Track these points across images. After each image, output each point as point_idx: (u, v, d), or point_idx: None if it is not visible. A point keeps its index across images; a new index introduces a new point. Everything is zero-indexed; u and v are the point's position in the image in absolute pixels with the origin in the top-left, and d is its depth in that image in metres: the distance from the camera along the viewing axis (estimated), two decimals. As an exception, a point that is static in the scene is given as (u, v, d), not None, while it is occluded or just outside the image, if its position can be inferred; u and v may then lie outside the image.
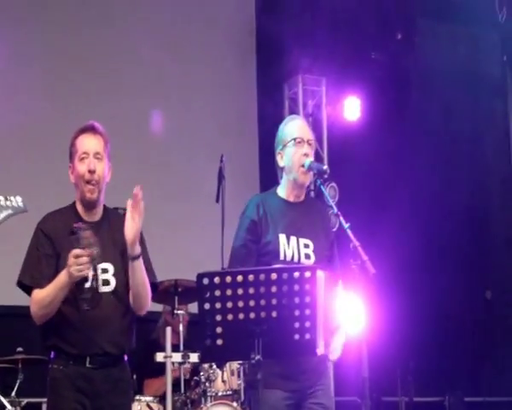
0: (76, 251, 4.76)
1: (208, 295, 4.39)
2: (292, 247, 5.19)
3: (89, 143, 5.01)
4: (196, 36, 9.41)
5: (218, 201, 7.74)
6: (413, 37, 9.90)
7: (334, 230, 5.29)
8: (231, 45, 9.72)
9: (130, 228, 4.89)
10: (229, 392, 7.31)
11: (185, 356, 7.28)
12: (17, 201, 4.73)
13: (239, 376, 7.33)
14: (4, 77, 8.67)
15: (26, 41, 8.88)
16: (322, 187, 5.15)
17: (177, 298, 7.28)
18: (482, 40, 10.17)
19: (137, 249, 4.94)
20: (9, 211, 4.68)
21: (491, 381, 9.46)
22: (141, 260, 4.98)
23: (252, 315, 4.42)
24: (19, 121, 8.62)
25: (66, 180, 5.11)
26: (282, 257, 5.13)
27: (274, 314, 4.42)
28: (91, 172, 4.92)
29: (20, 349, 7.08)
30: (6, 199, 4.70)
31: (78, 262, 4.73)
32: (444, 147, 9.95)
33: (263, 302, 4.42)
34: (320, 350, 4.79)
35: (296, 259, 5.16)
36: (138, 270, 4.98)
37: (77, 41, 9.15)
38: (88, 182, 4.94)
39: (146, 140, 9.18)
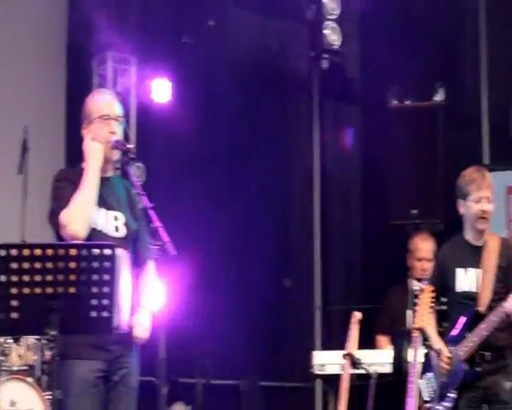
0: None
1: (4, 267, 4.31)
2: (103, 218, 5.13)
3: None
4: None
5: (21, 171, 7.68)
6: (224, 25, 9.97)
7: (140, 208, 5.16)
8: (41, 19, 9.57)
9: None
10: (24, 367, 7.28)
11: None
12: None
13: (35, 351, 7.28)
14: None
15: None
16: (126, 166, 5.15)
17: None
18: (291, 34, 10.24)
19: None
20: None
21: (286, 366, 9.58)
22: None
23: (49, 290, 4.35)
24: None
25: None
26: (93, 226, 5.05)
27: (72, 290, 4.37)
28: None
29: None
30: None
31: None
32: (251, 136, 10.01)
33: (61, 278, 4.35)
34: (118, 328, 4.77)
35: (105, 230, 5.10)
36: None
37: None
38: None
39: None
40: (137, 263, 5.14)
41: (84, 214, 5.01)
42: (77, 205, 5.00)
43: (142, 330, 5.09)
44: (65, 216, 4.99)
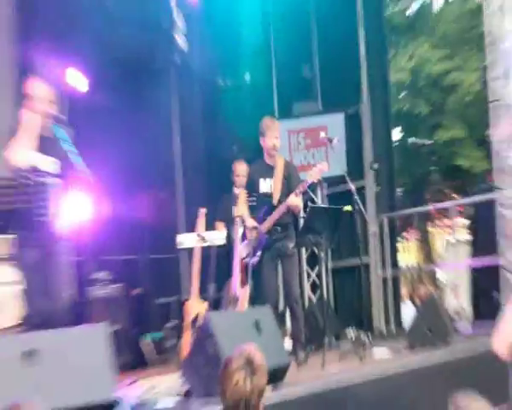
0: None
1: None
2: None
3: None
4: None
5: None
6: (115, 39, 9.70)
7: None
8: None
9: None
10: (3, 256, 6.68)
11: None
12: None
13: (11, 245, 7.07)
14: None
15: None
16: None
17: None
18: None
19: None
20: None
21: (162, 246, 9.28)
22: None
23: (6, 206, 4.34)
24: None
25: None
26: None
27: (22, 206, 4.38)
28: None
29: None
30: None
31: None
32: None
33: (16, 198, 4.36)
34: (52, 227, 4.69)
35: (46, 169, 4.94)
36: None
37: None
38: None
39: None
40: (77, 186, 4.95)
41: (23, 151, 4.82)
42: (18, 144, 4.84)
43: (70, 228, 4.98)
44: (10, 151, 4.85)
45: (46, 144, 5.03)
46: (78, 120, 8.48)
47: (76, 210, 5.02)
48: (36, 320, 4.88)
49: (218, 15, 9.28)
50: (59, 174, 4.98)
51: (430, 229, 11.28)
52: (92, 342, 3.98)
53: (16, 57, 9.00)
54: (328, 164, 6.52)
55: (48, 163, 5.01)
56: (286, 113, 9.03)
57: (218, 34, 9.24)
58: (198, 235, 6.45)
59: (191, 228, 6.95)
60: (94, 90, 9.11)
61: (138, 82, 9.62)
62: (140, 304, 8.46)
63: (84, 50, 9.25)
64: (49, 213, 4.46)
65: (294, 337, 6.25)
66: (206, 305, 6.20)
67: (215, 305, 6.53)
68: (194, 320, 6.02)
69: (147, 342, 7.26)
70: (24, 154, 4.85)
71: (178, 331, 6.49)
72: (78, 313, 5.53)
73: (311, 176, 6.15)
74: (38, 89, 5.16)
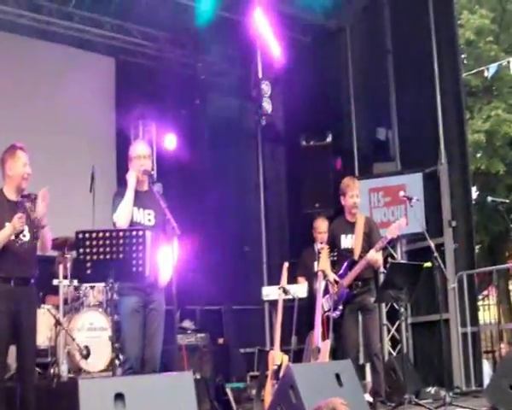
0: (20, 214, 4.75)
1: (82, 243, 4.43)
2: (140, 214, 5.16)
3: None
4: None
5: (91, 191, 7.72)
6: (205, 104, 10.00)
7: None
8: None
9: (42, 209, 4.90)
10: (97, 303, 7.22)
11: (70, 281, 7.16)
12: None
13: (103, 293, 7.22)
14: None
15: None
16: (151, 183, 5.23)
17: (66, 248, 7.09)
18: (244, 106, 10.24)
19: (44, 222, 4.97)
20: None
21: (246, 296, 9.47)
22: (46, 229, 5.02)
23: (108, 256, 4.45)
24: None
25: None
26: (133, 220, 5.08)
27: (121, 256, 4.46)
28: None
29: None
30: None
31: (21, 220, 4.72)
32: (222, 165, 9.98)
33: (115, 249, 4.45)
34: (149, 277, 4.75)
35: (141, 221, 5.12)
36: (45, 233, 5.01)
37: None
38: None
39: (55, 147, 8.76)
40: (167, 239, 5.06)
41: (124, 213, 5.03)
42: (120, 210, 5.05)
43: (164, 278, 5.10)
44: (115, 215, 5.07)
45: (142, 198, 5.19)
46: (166, 175, 8.84)
47: (167, 261, 5.06)
48: (129, 365, 4.94)
49: (302, 80, 9.37)
50: (153, 226, 5.11)
51: (510, 287, 10.85)
52: (179, 389, 3.94)
53: (116, 122, 9.49)
54: (407, 221, 6.41)
55: (145, 215, 5.17)
56: (366, 172, 8.98)
57: (302, 96, 9.31)
58: (281, 288, 6.38)
59: (273, 281, 6.93)
60: (182, 149, 9.39)
61: (225, 141, 9.83)
62: (224, 353, 8.46)
63: (176, 113, 9.61)
64: (145, 263, 4.51)
65: (375, 392, 6.06)
66: (287, 356, 6.09)
67: (296, 357, 6.42)
68: (277, 371, 5.92)
69: (230, 391, 7.16)
70: (125, 210, 5.04)
71: (260, 381, 6.38)
72: (165, 360, 5.52)
73: (391, 232, 6.06)
74: (137, 148, 5.36)
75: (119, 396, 3.67)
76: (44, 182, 4.98)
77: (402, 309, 7.62)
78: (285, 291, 6.38)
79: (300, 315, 6.48)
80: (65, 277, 7.07)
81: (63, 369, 6.62)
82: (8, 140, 5.12)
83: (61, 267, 7.01)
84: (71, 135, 8.96)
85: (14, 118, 8.45)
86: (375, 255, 6.03)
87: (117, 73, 9.71)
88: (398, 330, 8.54)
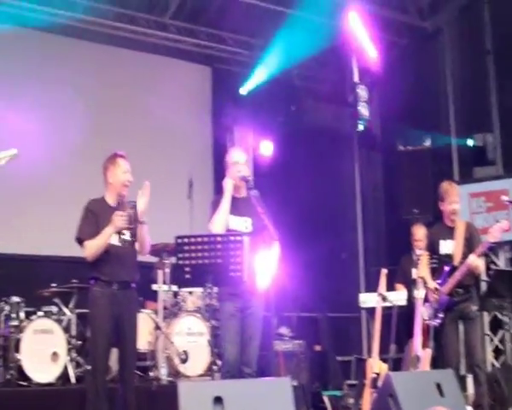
0: (119, 212, 4.86)
1: (181, 248, 4.46)
2: (236, 221, 5.16)
3: None
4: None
5: (188, 198, 7.85)
6: (301, 111, 10.02)
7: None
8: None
9: (142, 204, 4.95)
10: (195, 308, 7.32)
11: (169, 286, 7.29)
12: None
13: (201, 299, 7.32)
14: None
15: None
16: (249, 190, 5.17)
17: (165, 254, 7.20)
18: (340, 111, 10.21)
19: (144, 218, 4.99)
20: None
21: (343, 303, 9.40)
22: (146, 226, 5.03)
23: (206, 261, 4.45)
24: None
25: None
26: (229, 227, 5.08)
27: (219, 261, 4.46)
28: None
29: (74, 281, 6.99)
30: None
31: (121, 217, 4.82)
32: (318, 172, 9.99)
33: (213, 254, 4.45)
34: (247, 282, 4.70)
35: (237, 228, 5.11)
36: (144, 230, 5.05)
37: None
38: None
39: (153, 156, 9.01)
40: (265, 245, 5.03)
41: (220, 221, 5.04)
42: (217, 217, 5.06)
43: (262, 284, 5.03)
44: (211, 223, 5.07)
45: (239, 205, 5.18)
46: (262, 182, 8.91)
47: (265, 267, 5.06)
48: (226, 369, 4.95)
49: (398, 83, 9.25)
50: (251, 232, 5.07)
51: None
52: (277, 394, 3.93)
53: (213, 130, 9.69)
54: (510, 225, 6.16)
55: (241, 222, 5.16)
56: (466, 177, 8.75)
57: (398, 100, 9.19)
58: (380, 295, 6.22)
59: (370, 289, 6.82)
60: (278, 155, 9.47)
61: (321, 147, 9.83)
62: (320, 361, 8.41)
63: (272, 120, 9.71)
64: (243, 268, 4.51)
65: (477, 405, 5.84)
66: (386, 365, 5.98)
67: (395, 365, 6.29)
68: (375, 379, 5.82)
69: (327, 399, 7.11)
70: (221, 218, 5.05)
71: (358, 390, 6.30)
72: (262, 366, 5.53)
73: (492, 235, 5.79)
74: (234, 154, 5.37)
75: (218, 400, 3.69)
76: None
77: (506, 319, 7.36)
78: (384, 298, 6.22)
79: (399, 323, 6.31)
80: (164, 282, 7.20)
81: (162, 373, 6.76)
82: (109, 149, 5.27)
83: (159, 273, 7.15)
84: (168, 143, 9.24)
85: (113, 128, 8.80)
86: (475, 260, 5.81)
87: (213, 81, 9.91)
88: (502, 340, 8.26)
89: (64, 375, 6.54)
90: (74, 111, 8.48)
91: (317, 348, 8.61)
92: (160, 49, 9.49)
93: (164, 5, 9.13)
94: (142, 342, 6.78)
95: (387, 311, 6.39)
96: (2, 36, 8.03)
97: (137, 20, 9.05)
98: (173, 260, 6.87)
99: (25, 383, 6.33)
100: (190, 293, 7.36)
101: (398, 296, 6.73)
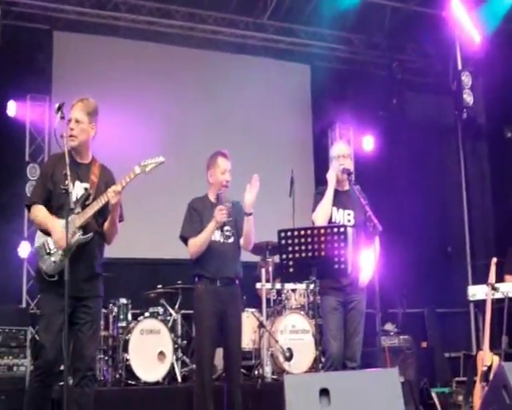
0: (220, 206, 4.91)
1: (284, 242, 4.46)
2: (339, 214, 5.15)
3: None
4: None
5: (290, 195, 7.86)
6: (402, 104, 9.88)
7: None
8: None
9: (250, 197, 4.94)
10: (298, 306, 7.31)
11: (273, 284, 7.35)
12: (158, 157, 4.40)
13: (304, 296, 7.33)
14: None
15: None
16: (350, 183, 5.14)
17: (268, 252, 7.29)
18: (443, 101, 9.99)
19: (251, 210, 4.96)
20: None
21: (451, 298, 9.19)
22: (252, 218, 4.98)
23: (310, 254, 4.44)
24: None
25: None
26: (333, 219, 5.08)
27: (323, 253, 4.45)
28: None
29: (179, 282, 7.13)
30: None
31: (222, 212, 4.87)
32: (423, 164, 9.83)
33: (316, 246, 4.44)
34: (351, 275, 4.74)
35: (341, 221, 5.09)
36: (250, 222, 5.03)
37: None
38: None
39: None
40: (368, 238, 4.98)
41: (323, 214, 5.03)
42: (320, 209, 5.06)
43: (365, 278, 5.02)
44: (314, 215, 5.09)
45: (342, 198, 5.17)
46: (365, 177, 8.84)
47: (368, 261, 5.01)
48: (330, 362, 4.94)
49: (503, 68, 8.93)
50: (354, 226, 5.04)
51: None
52: (384, 385, 3.86)
53: (313, 127, 9.72)
54: None
55: (344, 216, 5.13)
56: None
57: (504, 86, 8.88)
58: (490, 285, 6.04)
59: (478, 282, 6.62)
60: (381, 150, 9.36)
61: (424, 139, 9.64)
62: (427, 357, 8.24)
63: (373, 114, 9.62)
64: (347, 260, 4.48)
65: None
66: (497, 358, 5.78)
67: (507, 358, 6.07)
68: (486, 373, 5.64)
69: (435, 396, 6.96)
70: (324, 209, 5.04)
71: (468, 387, 6.12)
72: (368, 362, 5.48)
73: None
74: (337, 147, 5.35)
75: (325, 392, 3.67)
76: (245, 189, 5.01)
77: None
78: (494, 288, 6.04)
79: (511, 315, 6.14)
80: (267, 280, 7.22)
81: (267, 370, 6.80)
82: (211, 149, 5.30)
83: (263, 271, 7.17)
84: (269, 141, 9.32)
85: (216, 127, 8.96)
86: None
87: (312, 78, 9.91)
88: None
89: (170, 374, 6.68)
90: (193, 115, 8.83)
91: (424, 344, 8.44)
92: (258, 50, 9.60)
93: (262, 6, 9.22)
94: (247, 341, 6.84)
95: (497, 304, 6.21)
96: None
97: (237, 24, 9.21)
98: (276, 258, 6.97)
99: (133, 382, 6.51)
100: (294, 291, 7.34)
101: (510, 287, 6.44)
